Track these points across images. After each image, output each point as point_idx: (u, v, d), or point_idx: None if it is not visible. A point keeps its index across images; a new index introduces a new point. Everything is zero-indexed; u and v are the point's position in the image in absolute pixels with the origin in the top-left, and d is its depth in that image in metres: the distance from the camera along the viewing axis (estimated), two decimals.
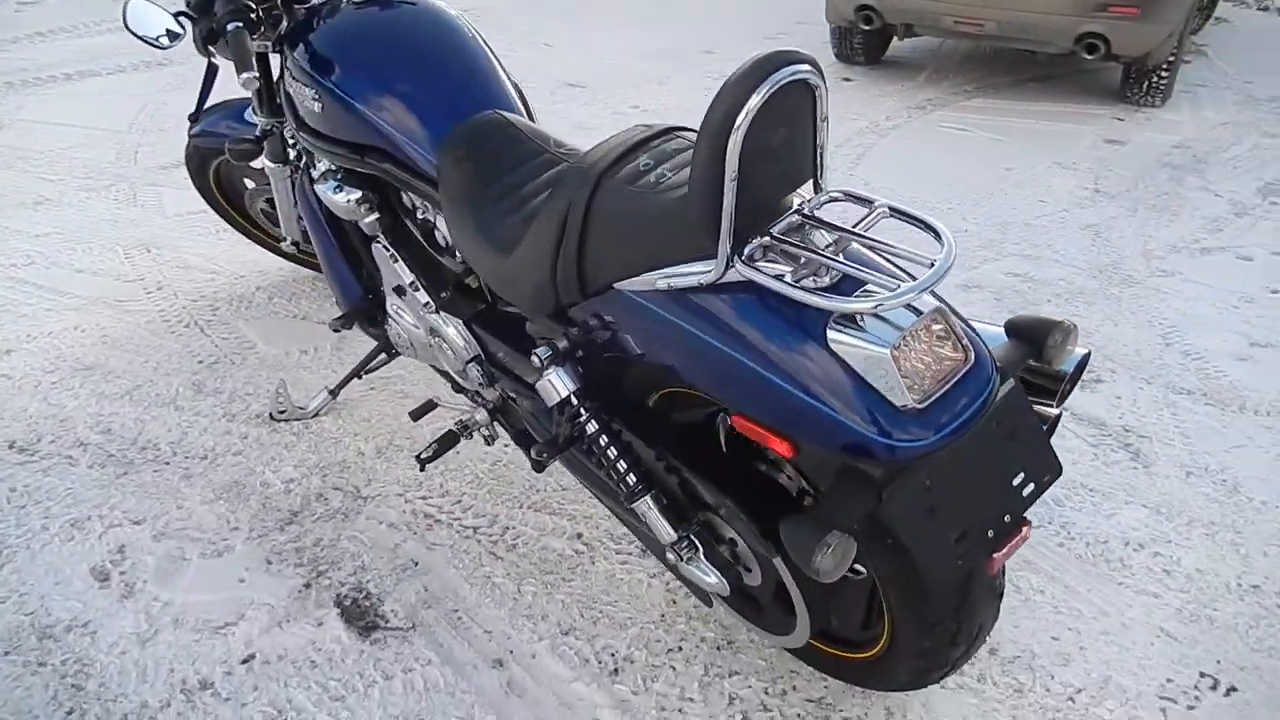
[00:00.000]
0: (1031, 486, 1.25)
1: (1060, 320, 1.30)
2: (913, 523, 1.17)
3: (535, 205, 1.56)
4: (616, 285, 1.36)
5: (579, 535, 2.04)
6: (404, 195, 1.94)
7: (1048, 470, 1.26)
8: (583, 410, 1.51)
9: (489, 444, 2.02)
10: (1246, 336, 2.85)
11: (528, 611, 1.86)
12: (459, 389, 2.10)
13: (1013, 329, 1.33)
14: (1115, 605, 1.88)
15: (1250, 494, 2.19)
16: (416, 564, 1.97)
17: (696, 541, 1.52)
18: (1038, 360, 1.31)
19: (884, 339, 1.12)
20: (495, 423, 1.95)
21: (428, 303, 1.94)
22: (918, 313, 1.15)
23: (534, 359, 1.50)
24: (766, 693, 1.70)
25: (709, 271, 1.21)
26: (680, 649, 1.78)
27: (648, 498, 1.50)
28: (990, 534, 1.22)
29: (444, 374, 2.12)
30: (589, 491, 1.90)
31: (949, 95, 5.01)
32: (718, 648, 1.78)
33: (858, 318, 1.15)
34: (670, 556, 1.52)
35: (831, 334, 1.15)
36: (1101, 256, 3.33)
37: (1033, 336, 1.30)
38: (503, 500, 2.13)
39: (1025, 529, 1.24)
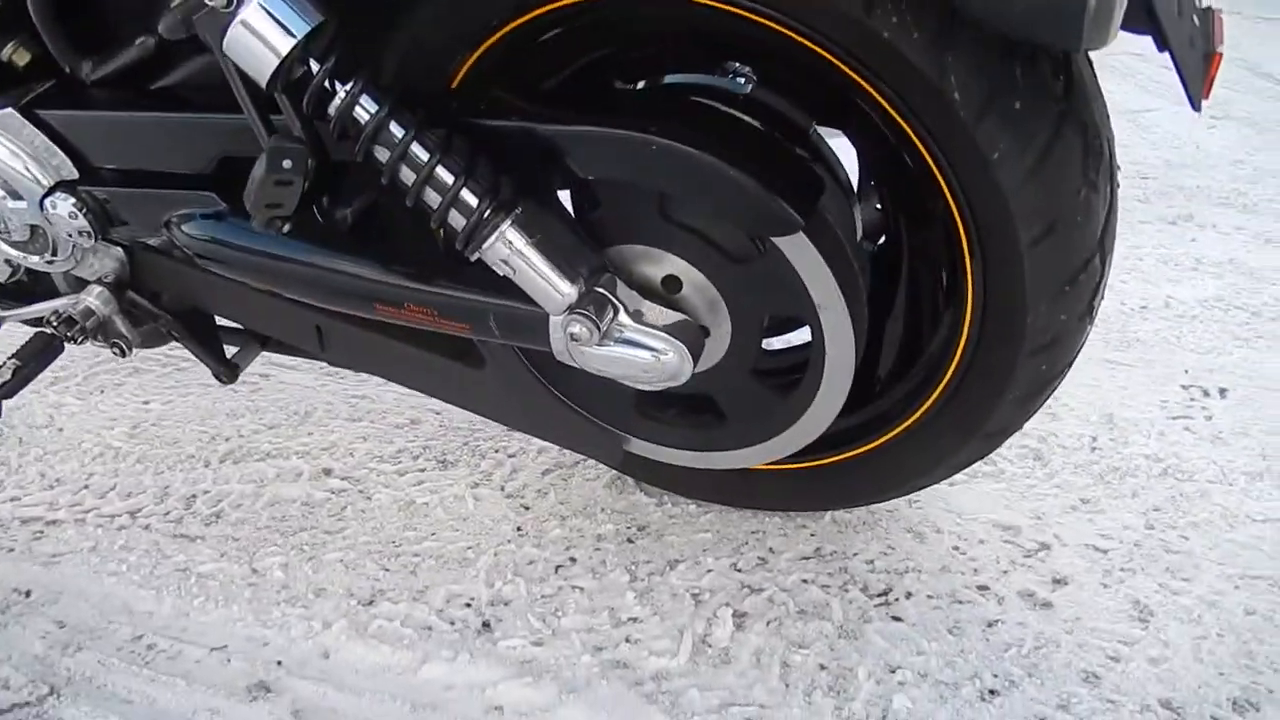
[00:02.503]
0: None
1: None
2: None
3: None
4: None
5: (327, 471, 1.21)
6: None
7: None
8: (340, 83, 0.76)
9: (123, 353, 1.12)
10: None
11: (284, 594, 1.02)
12: (30, 288, 1.16)
13: None
14: None
15: None
16: (28, 594, 1.03)
17: (610, 296, 0.83)
18: None
19: None
20: (123, 301, 1.07)
21: None
22: None
23: None
24: (737, 569, 1.04)
25: None
26: (574, 560, 1.06)
27: (509, 222, 0.78)
28: (1195, 19, 0.71)
29: None
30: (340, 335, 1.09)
31: None
32: (629, 540, 1.09)
33: None
34: (579, 329, 0.81)
35: None
36: None
37: None
38: (169, 465, 1.23)
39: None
